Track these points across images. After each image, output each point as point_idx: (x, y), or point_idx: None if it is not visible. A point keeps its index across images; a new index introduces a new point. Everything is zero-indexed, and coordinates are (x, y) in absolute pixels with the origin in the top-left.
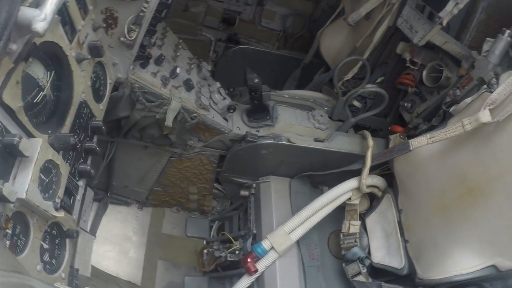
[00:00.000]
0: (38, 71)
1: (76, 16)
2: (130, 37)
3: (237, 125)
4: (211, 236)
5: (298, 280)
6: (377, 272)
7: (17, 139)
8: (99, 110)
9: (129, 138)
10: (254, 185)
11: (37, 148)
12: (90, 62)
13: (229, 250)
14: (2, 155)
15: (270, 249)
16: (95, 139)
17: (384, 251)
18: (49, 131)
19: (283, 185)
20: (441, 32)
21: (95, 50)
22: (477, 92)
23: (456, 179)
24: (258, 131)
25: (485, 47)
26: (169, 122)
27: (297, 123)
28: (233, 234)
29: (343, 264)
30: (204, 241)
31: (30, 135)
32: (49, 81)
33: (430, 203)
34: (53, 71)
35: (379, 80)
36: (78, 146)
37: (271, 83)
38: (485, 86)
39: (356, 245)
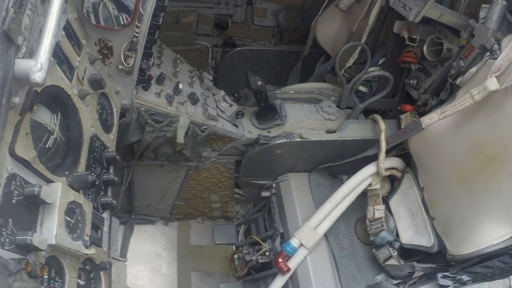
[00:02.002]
0: (45, 116)
1: (71, 54)
2: (128, 64)
3: (248, 129)
4: (240, 241)
5: (331, 272)
6: (408, 252)
7: (37, 188)
8: (110, 140)
9: (144, 159)
10: (274, 185)
11: (57, 193)
12: (94, 96)
13: (259, 253)
14: (26, 206)
15: (299, 246)
16: (111, 169)
17: (412, 231)
18: (66, 173)
19: (303, 181)
20: (435, 5)
21: (96, 83)
22: (481, 61)
23: (473, 150)
24: (269, 132)
25: (482, 13)
26: (180, 139)
27: (306, 118)
28: (261, 236)
29: (373, 250)
30: (234, 247)
31: (48, 180)
32: (57, 124)
33: (451, 177)
34: (59, 113)
35: (380, 62)
36: (96, 182)
37: (274, 80)
38: (488, 53)
39: (384, 229)
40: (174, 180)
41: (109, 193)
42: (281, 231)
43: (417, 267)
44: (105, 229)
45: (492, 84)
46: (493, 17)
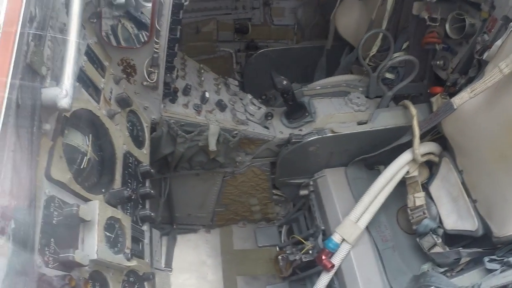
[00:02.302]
0: (77, 139)
1: (96, 76)
2: (152, 80)
3: (279, 130)
4: (282, 241)
5: (376, 266)
6: (453, 238)
7: (75, 208)
8: (143, 155)
9: (179, 170)
10: (311, 183)
11: (95, 210)
12: (122, 114)
13: (302, 252)
14: (66, 225)
15: (342, 241)
16: (147, 183)
17: (455, 216)
18: (103, 190)
19: (340, 175)
20: None
21: (123, 102)
22: (506, 32)
23: (508, 125)
24: (301, 130)
25: None
26: (212, 146)
27: (336, 112)
28: (303, 235)
29: (417, 239)
30: (277, 248)
31: (86, 199)
32: (89, 145)
33: (489, 156)
34: (90, 134)
35: (404, 46)
36: (133, 197)
37: (301, 78)
38: (511, 23)
39: (426, 217)
40: (211, 188)
41: (147, 206)
42: (323, 228)
43: (463, 252)
44: (146, 241)
45: None
46: None
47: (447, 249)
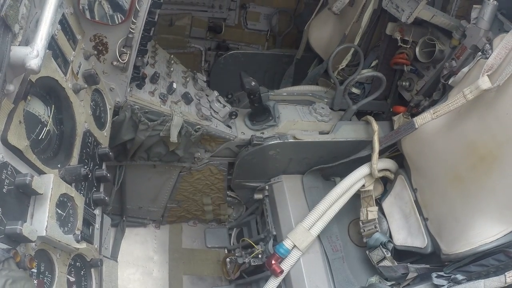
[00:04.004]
0: (39, 108)
1: (67, 48)
2: (123, 60)
3: (242, 130)
4: (232, 244)
5: (324, 274)
6: (402, 254)
7: (29, 178)
8: (103, 136)
9: (136, 159)
10: (267, 187)
11: (49, 184)
12: (87, 91)
13: (252, 255)
14: (17, 196)
15: (293, 247)
16: (104, 166)
17: (405, 232)
18: (59, 165)
19: (296, 182)
20: (427, 7)
21: (91, 78)
22: (473, 60)
23: (466, 149)
24: (263, 133)
25: (473, 14)
26: (174, 138)
27: (300, 119)
28: (254, 239)
29: (367, 252)
30: (226, 250)
31: (40, 172)
32: (51, 116)
33: (444, 177)
34: (53, 106)
35: (373, 64)
36: (89, 176)
37: (267, 84)
38: (479, 53)
39: (377, 231)
40: (166, 182)
41: (102, 189)
42: (274, 233)
43: (411, 267)
44: (97, 225)
45: (484, 83)
46: (485, 17)
47: (396, 263)
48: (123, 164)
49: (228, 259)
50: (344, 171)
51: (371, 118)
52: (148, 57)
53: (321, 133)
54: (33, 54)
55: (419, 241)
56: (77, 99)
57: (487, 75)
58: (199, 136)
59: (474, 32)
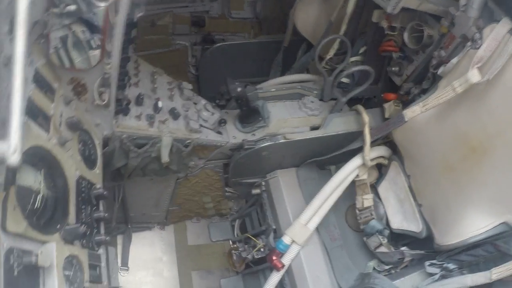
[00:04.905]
0: (29, 178)
1: (45, 103)
2: (103, 100)
3: (233, 134)
4: (236, 235)
5: (324, 264)
6: (399, 235)
7: (34, 257)
8: (96, 175)
9: (132, 177)
10: (263, 183)
11: (53, 253)
12: (74, 137)
13: (254, 250)
14: (27, 273)
15: (292, 243)
16: (101, 206)
17: (401, 217)
18: (58, 226)
19: (291, 176)
20: None
21: (74, 126)
22: (462, 51)
23: (457, 140)
24: (254, 135)
25: (462, 1)
26: (165, 158)
27: (290, 116)
28: (255, 231)
29: (364, 238)
30: (230, 242)
31: (43, 241)
32: (42, 181)
33: (436, 166)
34: (42, 170)
35: (361, 51)
36: (87, 232)
37: (257, 73)
38: (469, 43)
39: (373, 218)
40: (165, 190)
41: (102, 230)
42: (274, 227)
43: (406, 253)
44: (103, 264)
45: (474, 76)
46: (474, 5)
47: (392, 249)
48: (120, 184)
49: (233, 252)
50: (339, 159)
51: (361, 109)
52: (131, 78)
53: (312, 127)
54: (11, 151)
55: (414, 226)
56: (64, 154)
57: (477, 68)
58: (190, 150)
59: (462, 20)
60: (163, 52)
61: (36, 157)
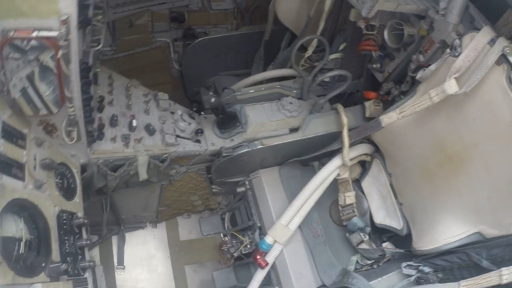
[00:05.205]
0: (10, 227)
1: (17, 153)
2: (72, 138)
3: (211, 141)
4: (226, 228)
5: (307, 261)
6: (383, 229)
7: None
8: (76, 204)
9: (117, 190)
10: (246, 182)
11: None
12: (50, 176)
13: (241, 246)
14: None
15: (274, 242)
16: (84, 234)
17: (384, 212)
18: (43, 265)
19: (274, 175)
20: None
21: (49, 167)
22: (441, 57)
23: (435, 146)
24: (232, 140)
25: (442, 4)
26: (143, 176)
27: (268, 120)
28: (244, 225)
29: (347, 234)
30: (221, 235)
31: (30, 283)
32: (23, 227)
33: (416, 169)
34: (21, 217)
35: (341, 47)
36: (69, 269)
37: (241, 65)
38: (448, 50)
39: (355, 215)
40: (151, 194)
41: (87, 257)
42: (259, 224)
43: (387, 251)
44: (90, 286)
45: (451, 87)
46: (454, 10)
47: (373, 246)
48: (106, 196)
49: (222, 248)
50: (323, 156)
51: (340, 109)
52: (105, 97)
53: (291, 129)
54: None
55: (395, 223)
56: (41, 197)
57: (455, 78)
58: (168, 163)
59: (442, 25)
60: (145, 50)
61: (14, 207)
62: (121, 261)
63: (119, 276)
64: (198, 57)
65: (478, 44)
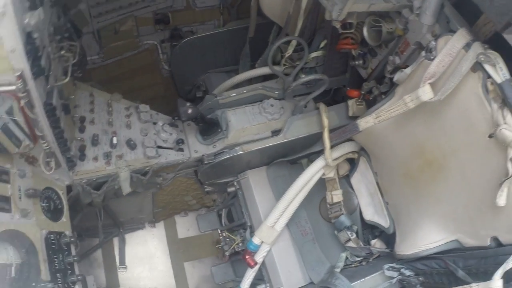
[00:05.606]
0: (1, 256)
1: (2, 188)
2: (51, 168)
3: (194, 148)
4: (223, 224)
5: (295, 259)
6: (373, 226)
7: None
8: (63, 224)
9: (107, 201)
10: (235, 183)
11: None
12: (35, 202)
13: (231, 247)
14: None
15: (261, 243)
16: (73, 250)
17: (373, 209)
18: (33, 284)
19: (261, 176)
20: None
21: (33, 195)
22: (416, 60)
23: (415, 150)
24: (215, 146)
25: (416, 3)
26: (126, 190)
27: (249, 124)
28: (238, 223)
29: (335, 232)
30: (219, 230)
31: None
32: (12, 255)
33: (398, 170)
34: (10, 246)
35: (322, 45)
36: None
37: (230, 61)
38: (423, 52)
39: (343, 213)
40: (144, 199)
41: (77, 271)
42: (249, 224)
43: (373, 250)
44: None
45: (425, 93)
46: (428, 11)
47: (361, 244)
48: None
49: (217, 247)
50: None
51: (322, 110)
52: (85, 119)
53: (274, 131)
54: None
55: (383, 221)
56: (28, 224)
57: (429, 84)
58: (151, 175)
59: (416, 26)
60: (133, 54)
61: (4, 237)
62: (122, 261)
63: (122, 275)
64: (186, 57)
65: (452, 49)
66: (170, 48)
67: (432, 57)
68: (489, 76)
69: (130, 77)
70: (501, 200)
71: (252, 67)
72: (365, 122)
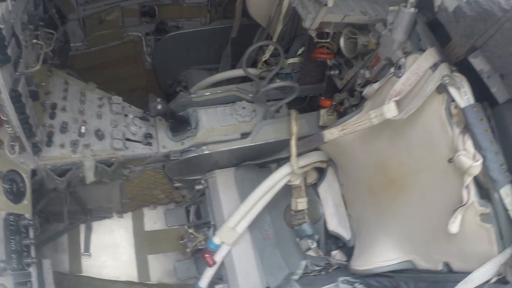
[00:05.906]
0: None
1: None
2: (15, 152)
3: (163, 144)
4: (190, 221)
5: (255, 262)
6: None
7: None
8: (24, 207)
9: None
10: (203, 181)
11: None
12: None
13: (193, 244)
14: None
15: (222, 243)
16: (31, 233)
17: (337, 220)
18: None
19: (229, 176)
20: (333, 9)
21: None
22: (385, 77)
23: (378, 167)
24: (183, 143)
25: (389, 18)
26: (90, 179)
27: (219, 125)
28: (203, 221)
29: (297, 239)
30: (186, 226)
31: None
32: None
33: (362, 185)
34: None
35: (300, 51)
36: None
37: (213, 59)
38: (392, 69)
39: (305, 222)
40: (112, 189)
41: (33, 253)
42: (213, 223)
43: (332, 261)
44: (33, 278)
45: (390, 111)
46: (399, 26)
47: (320, 254)
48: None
49: (180, 242)
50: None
51: (292, 117)
52: (56, 106)
53: (243, 134)
54: None
55: (345, 233)
56: None
57: (394, 101)
58: (116, 166)
59: (388, 42)
60: (117, 45)
61: None
62: (87, 248)
63: (85, 262)
64: (170, 51)
65: (419, 68)
66: (154, 41)
67: (400, 74)
68: (453, 100)
69: (112, 67)
70: (454, 227)
71: (234, 67)
72: (330, 134)
